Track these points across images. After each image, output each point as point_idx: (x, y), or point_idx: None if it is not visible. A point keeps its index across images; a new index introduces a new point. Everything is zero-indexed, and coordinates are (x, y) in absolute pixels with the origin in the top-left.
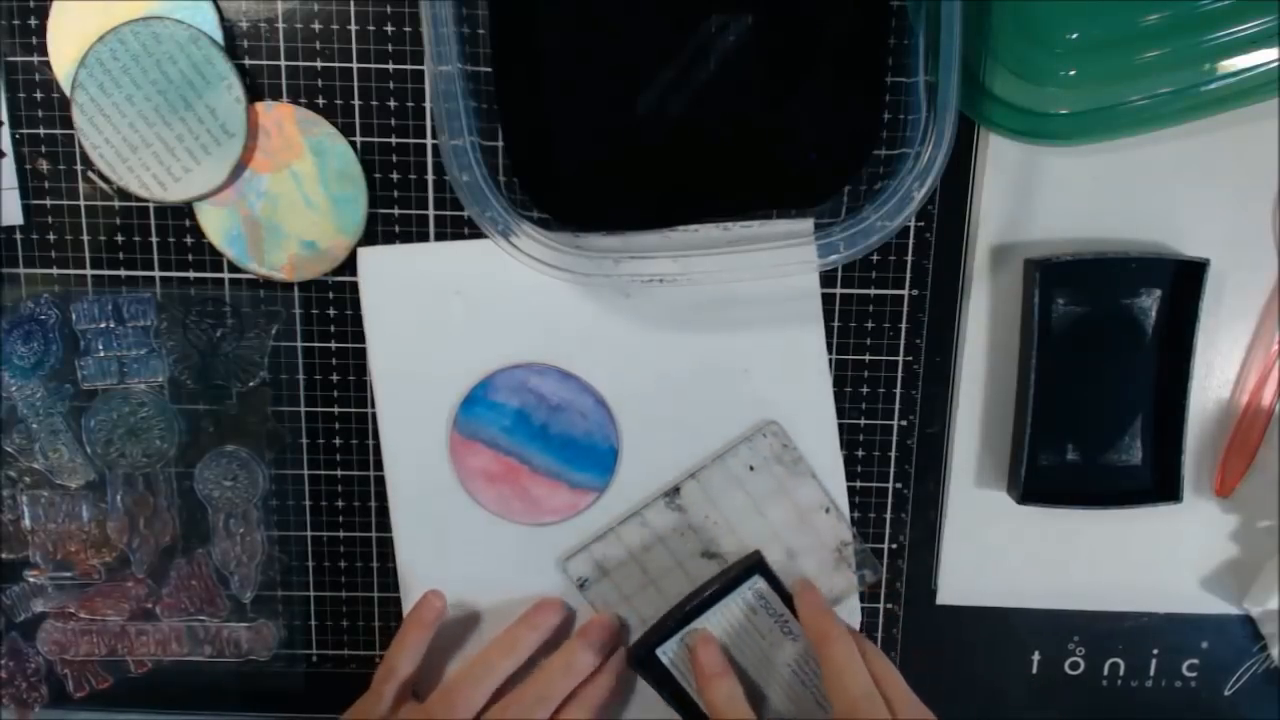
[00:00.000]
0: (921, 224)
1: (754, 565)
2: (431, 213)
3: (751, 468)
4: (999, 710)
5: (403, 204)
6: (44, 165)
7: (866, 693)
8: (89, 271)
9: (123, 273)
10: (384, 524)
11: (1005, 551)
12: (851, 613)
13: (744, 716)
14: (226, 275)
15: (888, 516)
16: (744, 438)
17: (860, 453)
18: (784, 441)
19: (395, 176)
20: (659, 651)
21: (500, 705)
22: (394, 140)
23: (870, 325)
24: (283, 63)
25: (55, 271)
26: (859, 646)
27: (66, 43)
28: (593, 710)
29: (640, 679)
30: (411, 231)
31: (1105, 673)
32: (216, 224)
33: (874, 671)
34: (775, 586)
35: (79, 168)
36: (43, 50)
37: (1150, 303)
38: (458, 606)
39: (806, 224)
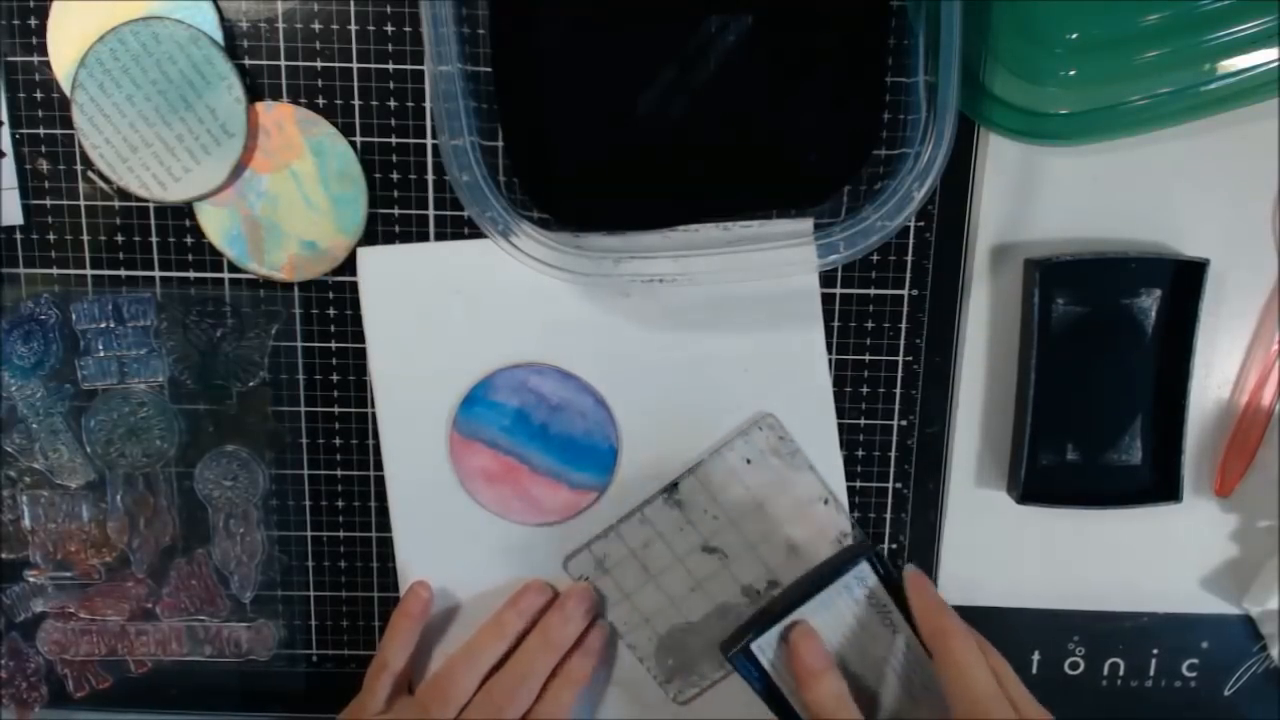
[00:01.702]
0: (921, 224)
1: (862, 551)
2: (431, 213)
3: (749, 461)
4: None
5: (403, 204)
6: (44, 165)
7: (992, 693)
8: (89, 271)
9: (123, 273)
10: (384, 524)
11: (1005, 551)
12: None
13: (850, 715)
14: (226, 275)
15: (888, 516)
16: (740, 431)
17: (860, 453)
18: (780, 434)
19: (395, 176)
20: (754, 647)
21: (486, 689)
22: (394, 140)
23: (870, 325)
24: (283, 63)
25: (55, 271)
26: (980, 643)
27: (66, 43)
28: (578, 682)
29: (737, 678)
30: (411, 231)
31: (1105, 673)
32: (216, 224)
33: (994, 669)
34: (882, 575)
35: (79, 168)
36: (43, 50)
37: (1150, 303)
38: (457, 606)
39: (806, 224)
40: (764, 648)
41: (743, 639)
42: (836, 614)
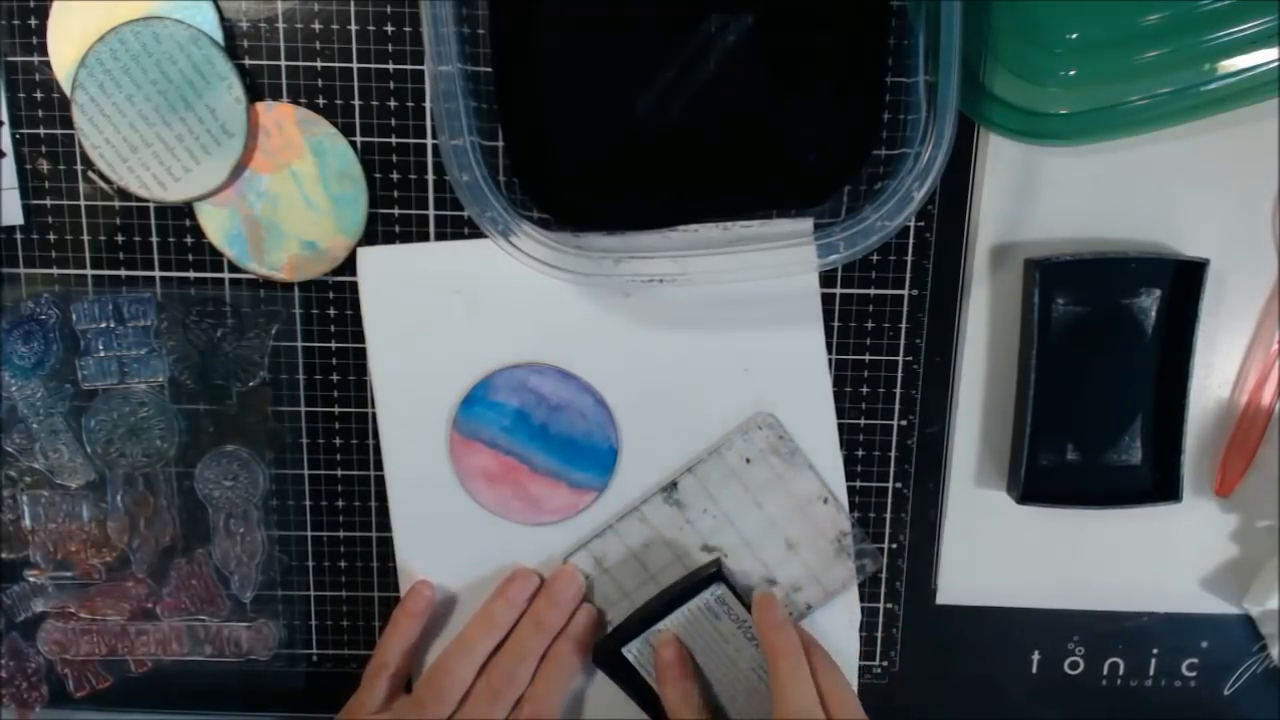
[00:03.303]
0: (921, 224)
1: (714, 574)
2: (431, 213)
3: (748, 460)
4: (999, 710)
5: (403, 204)
6: (44, 165)
7: (806, 711)
8: (89, 271)
9: (123, 273)
10: (384, 524)
11: (1005, 551)
12: (851, 609)
13: (696, 713)
14: (226, 275)
15: (888, 516)
16: (739, 430)
17: (860, 453)
18: (779, 433)
19: (395, 176)
20: (625, 650)
21: (484, 678)
22: (394, 140)
23: (870, 325)
24: (283, 63)
25: (55, 271)
26: (815, 661)
27: (66, 43)
28: (569, 667)
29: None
30: (411, 231)
31: (1105, 672)
32: (216, 224)
33: (823, 687)
34: (737, 593)
35: (79, 168)
36: (43, 50)
37: (1150, 303)
38: (457, 606)
39: (806, 224)
40: (632, 650)
41: (614, 643)
42: (698, 625)
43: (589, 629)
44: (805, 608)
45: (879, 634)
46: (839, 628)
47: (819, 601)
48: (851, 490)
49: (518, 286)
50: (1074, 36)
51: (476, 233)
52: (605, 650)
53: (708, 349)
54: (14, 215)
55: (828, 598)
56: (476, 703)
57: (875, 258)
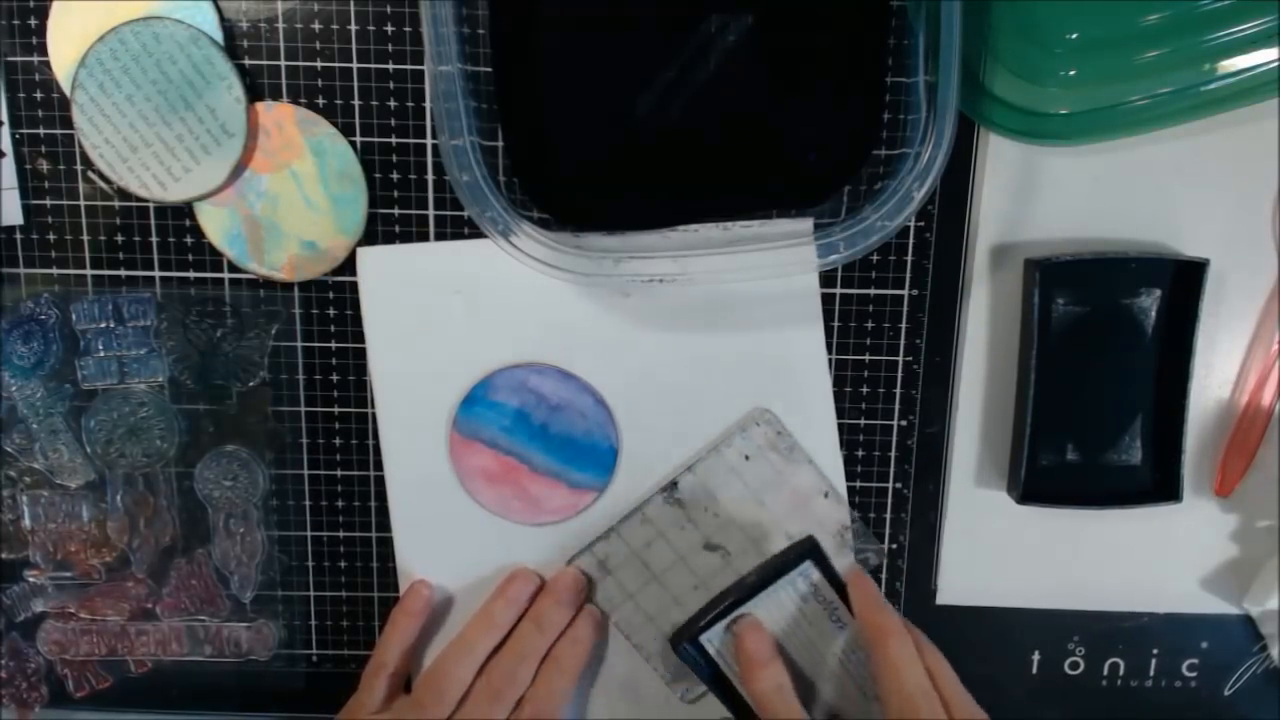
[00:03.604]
0: (921, 224)
1: (808, 550)
2: (431, 213)
3: (747, 457)
4: (999, 710)
5: (403, 204)
6: (44, 165)
7: (923, 690)
8: (89, 271)
9: (123, 273)
10: (384, 524)
11: (1005, 551)
12: None
13: (791, 707)
14: (226, 275)
15: (888, 516)
16: (738, 428)
17: (860, 453)
18: (777, 429)
19: (395, 176)
20: (703, 638)
21: (484, 677)
22: (394, 140)
23: (870, 325)
24: (283, 63)
25: (55, 271)
26: (916, 640)
27: (66, 43)
28: (570, 669)
29: (683, 667)
30: (411, 231)
31: (1105, 673)
32: (216, 224)
33: (929, 668)
34: (827, 573)
35: (79, 168)
36: (43, 50)
37: (1150, 303)
38: (457, 606)
39: (806, 224)
40: (712, 639)
41: (692, 630)
42: (783, 609)
43: (592, 631)
44: None
45: None
46: None
47: None
48: (851, 490)
49: (518, 286)
50: (1074, 36)
51: (476, 233)
52: (683, 638)
53: (708, 349)
54: (14, 215)
55: None
56: (477, 703)
57: (875, 258)
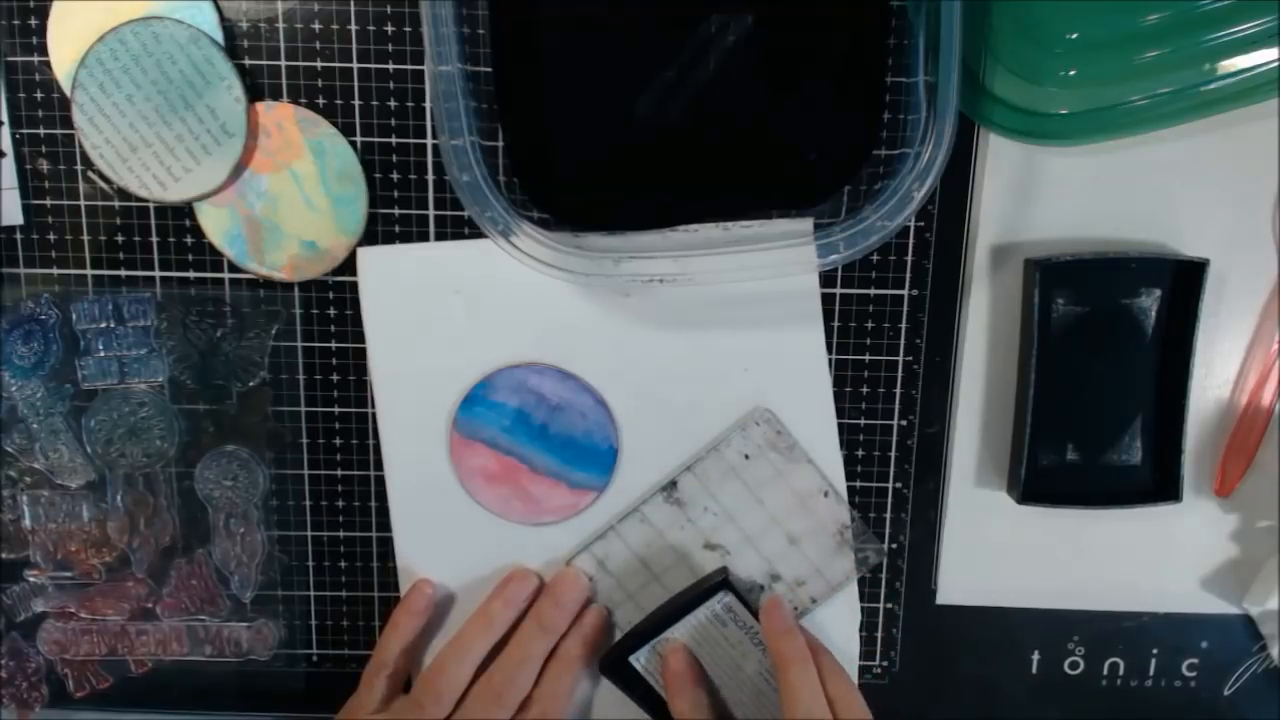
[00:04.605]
0: (921, 224)
1: (720, 583)
2: (431, 213)
3: (746, 456)
4: (999, 710)
5: (403, 204)
6: (44, 165)
7: (815, 713)
8: (89, 271)
9: (123, 273)
10: (384, 524)
11: (1005, 551)
12: (852, 609)
13: None
14: (226, 275)
15: (888, 516)
16: (737, 427)
17: (860, 453)
18: (777, 428)
19: (395, 176)
20: (631, 659)
21: (485, 676)
22: (394, 140)
23: (870, 325)
24: (283, 63)
25: (55, 271)
26: (822, 666)
27: (66, 43)
28: (574, 665)
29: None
30: (411, 231)
31: (1105, 673)
32: (216, 224)
33: (832, 695)
34: (744, 601)
35: (79, 168)
36: (43, 50)
37: (1150, 303)
38: (457, 606)
39: (806, 224)
40: (639, 659)
41: (621, 652)
42: (705, 633)
43: (597, 630)
44: (810, 602)
45: (879, 634)
46: (840, 627)
47: (823, 595)
48: (851, 490)
49: (518, 286)
50: (1074, 36)
51: (476, 233)
52: (612, 659)
53: (708, 349)
54: (14, 215)
55: (831, 591)
56: (477, 704)
57: (875, 258)
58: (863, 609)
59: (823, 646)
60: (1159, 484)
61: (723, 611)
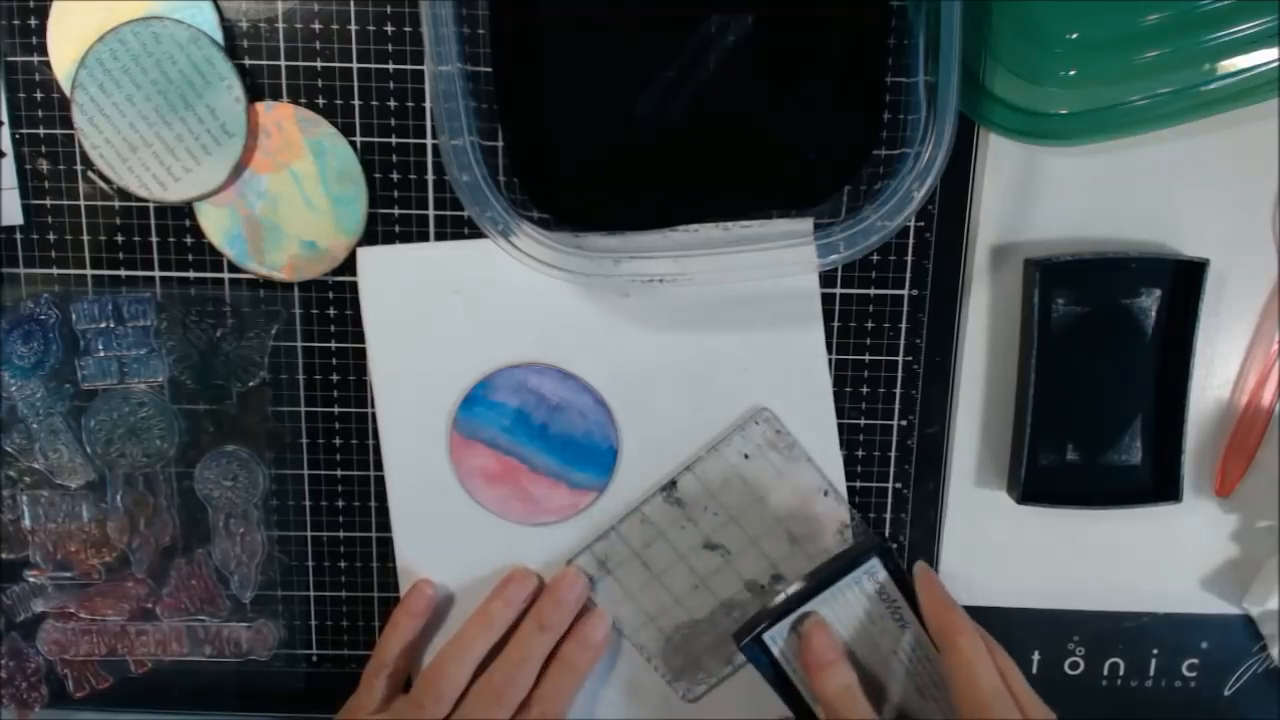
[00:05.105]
0: (921, 224)
1: (874, 548)
2: (431, 213)
3: (746, 456)
4: None
5: (403, 204)
6: (44, 165)
7: (997, 690)
8: (89, 271)
9: (123, 273)
10: (384, 524)
11: (1005, 551)
12: None
13: (860, 706)
14: (226, 275)
15: (888, 516)
16: (737, 427)
17: (860, 453)
18: (776, 428)
19: (395, 176)
20: (767, 636)
21: (485, 676)
22: (394, 140)
23: (870, 325)
24: (283, 63)
25: (55, 271)
26: (984, 641)
27: (66, 43)
28: (576, 669)
29: (752, 670)
30: (411, 231)
31: (1105, 673)
32: (216, 224)
33: (999, 667)
34: (893, 571)
35: (79, 168)
36: (43, 50)
37: (1150, 303)
38: (457, 606)
39: (806, 224)
40: (775, 638)
41: (755, 629)
42: (847, 608)
43: (602, 632)
44: None
45: None
46: None
47: None
48: (851, 490)
49: (518, 286)
50: (1074, 36)
51: (476, 233)
52: (744, 635)
53: (708, 349)
54: (14, 215)
55: None
56: (477, 704)
57: (875, 258)
58: None
59: (977, 624)
60: (1159, 484)
61: (870, 584)
